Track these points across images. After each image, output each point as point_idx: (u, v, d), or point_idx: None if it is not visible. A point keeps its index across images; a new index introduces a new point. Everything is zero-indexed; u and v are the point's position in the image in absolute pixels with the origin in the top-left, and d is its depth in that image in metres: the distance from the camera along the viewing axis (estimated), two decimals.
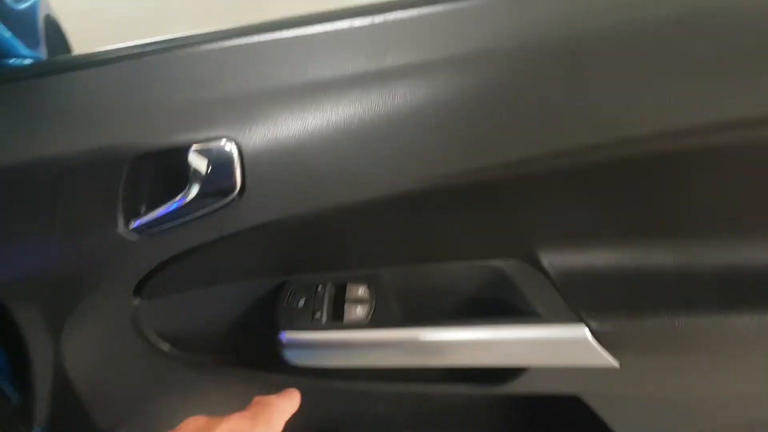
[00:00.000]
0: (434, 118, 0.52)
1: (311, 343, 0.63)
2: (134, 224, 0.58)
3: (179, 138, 0.54)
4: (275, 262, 0.68)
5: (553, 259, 0.61)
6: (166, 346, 0.73)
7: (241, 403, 0.78)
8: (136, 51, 0.58)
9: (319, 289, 0.66)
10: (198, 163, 0.54)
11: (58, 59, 0.61)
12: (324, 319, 0.64)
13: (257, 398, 0.47)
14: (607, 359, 0.58)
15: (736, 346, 0.57)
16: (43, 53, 0.65)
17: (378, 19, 0.54)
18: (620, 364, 0.58)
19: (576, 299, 0.59)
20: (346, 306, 0.65)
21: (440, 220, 0.62)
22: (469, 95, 0.52)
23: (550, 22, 0.51)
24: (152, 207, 0.58)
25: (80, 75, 0.58)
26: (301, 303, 0.66)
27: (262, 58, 0.56)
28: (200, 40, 0.57)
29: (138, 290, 0.66)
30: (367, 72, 0.53)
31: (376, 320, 0.63)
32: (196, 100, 0.55)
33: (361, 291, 0.66)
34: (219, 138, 0.54)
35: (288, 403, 0.48)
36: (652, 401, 0.67)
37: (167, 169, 0.58)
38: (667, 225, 0.60)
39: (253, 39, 0.56)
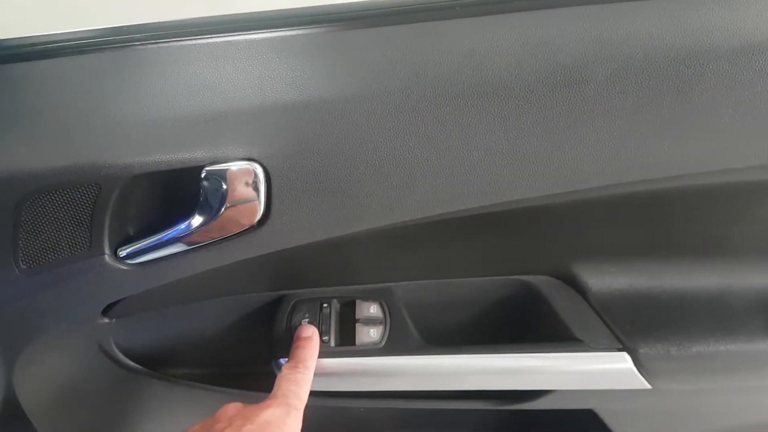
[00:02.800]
0: (487, 142, 0.45)
1: (319, 370, 0.56)
2: (122, 253, 0.47)
3: (188, 156, 0.43)
4: (275, 277, 0.59)
5: (590, 279, 0.57)
6: (136, 364, 0.63)
7: None
8: (119, 37, 0.44)
9: (325, 306, 0.59)
10: (212, 187, 0.44)
11: (11, 41, 0.46)
12: (333, 342, 0.57)
13: (283, 375, 0.50)
14: (643, 383, 0.55)
15: None
16: None
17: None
18: (652, 387, 0.55)
19: (615, 321, 0.55)
20: (357, 327, 0.57)
21: (473, 239, 0.55)
22: (522, 123, 0.44)
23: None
24: (144, 232, 0.47)
25: (45, 66, 0.44)
26: (305, 323, 0.58)
27: (289, 57, 0.44)
28: (204, 29, 0.44)
29: (106, 310, 0.56)
30: (412, 86, 0.43)
31: (392, 344, 0.57)
32: (210, 110, 0.43)
33: (373, 309, 0.59)
34: (240, 158, 0.44)
35: (309, 382, 0.51)
36: (664, 412, 0.66)
37: (163, 188, 0.47)
38: (711, 246, 0.56)
39: (276, 33, 0.44)
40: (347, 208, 0.46)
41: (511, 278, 0.59)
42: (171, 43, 0.44)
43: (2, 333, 0.53)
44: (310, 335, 0.55)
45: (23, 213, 0.45)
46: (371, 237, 0.51)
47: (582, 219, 0.54)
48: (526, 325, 0.60)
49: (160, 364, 0.66)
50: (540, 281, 0.58)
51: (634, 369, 0.54)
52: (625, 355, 0.54)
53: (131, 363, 0.63)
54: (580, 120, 0.43)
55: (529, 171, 0.45)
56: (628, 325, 0.55)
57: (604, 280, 0.57)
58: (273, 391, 0.48)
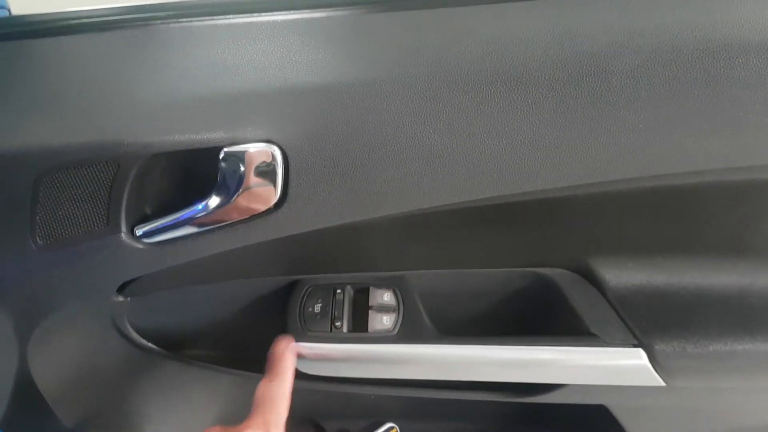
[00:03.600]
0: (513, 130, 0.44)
1: (331, 356, 0.56)
2: (139, 232, 0.47)
3: (208, 137, 0.43)
4: (289, 261, 0.59)
5: (607, 274, 0.56)
6: (150, 343, 0.64)
7: (226, 401, 0.71)
8: (141, 15, 0.43)
9: (338, 292, 0.58)
10: (230, 168, 0.44)
11: (32, 17, 0.46)
12: (345, 328, 0.57)
13: (260, 393, 0.48)
14: (657, 380, 0.54)
15: None
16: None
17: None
18: (667, 384, 0.54)
19: (631, 317, 0.54)
20: (370, 314, 0.57)
21: (490, 229, 0.55)
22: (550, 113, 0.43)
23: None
24: (161, 211, 0.47)
25: (66, 42, 0.44)
26: (318, 308, 0.58)
27: (310, 40, 0.44)
28: (227, 8, 0.43)
29: (121, 288, 0.56)
30: (435, 72, 0.42)
31: (404, 332, 0.56)
32: (230, 90, 0.43)
33: (387, 297, 0.58)
34: (259, 140, 0.43)
35: (287, 395, 0.49)
36: (677, 410, 0.65)
37: (181, 168, 0.47)
38: (731, 244, 0.55)
39: (298, 15, 0.44)
40: (364, 193, 0.46)
41: (528, 270, 0.58)
42: (193, 23, 0.43)
43: (17, 308, 0.53)
44: (286, 347, 0.54)
45: (41, 189, 0.45)
46: (387, 224, 0.51)
47: (601, 212, 0.53)
48: (540, 317, 0.59)
49: (174, 344, 0.66)
50: (556, 274, 0.58)
51: (649, 366, 0.53)
52: (641, 352, 0.53)
53: (145, 342, 0.63)
54: (605, 111, 0.42)
55: (550, 161, 0.44)
56: (644, 321, 0.54)
57: (622, 275, 0.56)
58: (251, 412, 0.47)
